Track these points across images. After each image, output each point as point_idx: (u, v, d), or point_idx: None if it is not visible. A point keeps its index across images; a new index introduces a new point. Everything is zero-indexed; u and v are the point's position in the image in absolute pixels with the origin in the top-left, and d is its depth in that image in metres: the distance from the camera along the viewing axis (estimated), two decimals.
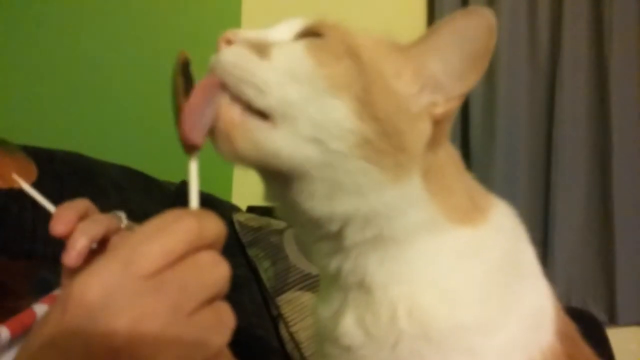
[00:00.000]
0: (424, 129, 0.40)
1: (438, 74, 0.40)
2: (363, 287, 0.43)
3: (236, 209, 1.22)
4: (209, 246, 0.33)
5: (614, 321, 1.68)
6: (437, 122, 0.41)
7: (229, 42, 0.40)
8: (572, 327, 0.46)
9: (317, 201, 0.40)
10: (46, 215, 0.50)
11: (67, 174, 0.85)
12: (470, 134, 1.73)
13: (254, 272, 1.05)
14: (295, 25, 0.43)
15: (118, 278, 0.30)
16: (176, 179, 1.15)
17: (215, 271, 0.33)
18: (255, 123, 0.38)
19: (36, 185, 0.71)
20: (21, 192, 0.50)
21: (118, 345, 0.29)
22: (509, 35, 1.71)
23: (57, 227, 0.45)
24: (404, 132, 0.39)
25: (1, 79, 1.03)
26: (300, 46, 0.40)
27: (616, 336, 1.33)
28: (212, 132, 0.39)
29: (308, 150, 0.38)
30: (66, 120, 1.15)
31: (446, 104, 0.41)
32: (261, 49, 0.40)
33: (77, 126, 1.18)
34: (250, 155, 0.39)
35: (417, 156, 0.40)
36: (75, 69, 1.18)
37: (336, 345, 0.44)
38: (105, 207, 0.89)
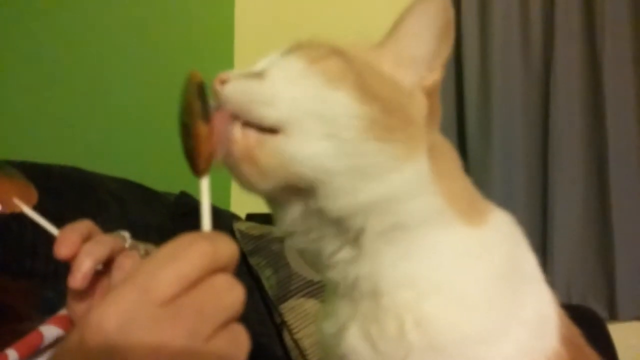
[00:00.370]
0: (421, 100, 0.44)
1: (415, 54, 0.45)
2: (375, 294, 0.42)
3: (236, 217, 1.23)
4: (223, 269, 0.34)
5: (614, 317, 1.68)
6: (429, 94, 0.45)
7: (223, 81, 0.41)
8: (576, 332, 0.46)
9: (343, 197, 0.40)
10: (46, 233, 0.50)
11: (65, 189, 0.84)
12: (466, 136, 1.74)
13: (256, 280, 1.06)
14: (279, 51, 0.45)
15: (135, 306, 0.31)
16: (174, 189, 1.15)
17: (231, 294, 0.33)
18: (272, 139, 0.40)
19: (36, 206, 0.71)
20: (22, 214, 0.50)
21: None
22: (502, 36, 1.71)
23: (62, 250, 0.45)
24: (405, 105, 0.43)
25: None
26: (290, 56, 0.43)
27: (617, 331, 1.33)
28: (227, 162, 0.41)
29: (325, 147, 0.39)
30: (61, 133, 1.15)
31: (431, 75, 0.45)
32: (257, 75, 0.42)
33: (72, 139, 1.18)
34: (275, 170, 0.40)
35: (422, 127, 0.43)
36: (71, 82, 1.18)
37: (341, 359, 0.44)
38: (106, 220, 0.89)
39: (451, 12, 0.44)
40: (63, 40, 1.16)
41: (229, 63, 1.78)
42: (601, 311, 1.68)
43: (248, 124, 0.40)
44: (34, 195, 0.74)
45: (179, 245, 0.33)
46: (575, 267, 1.71)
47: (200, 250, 0.33)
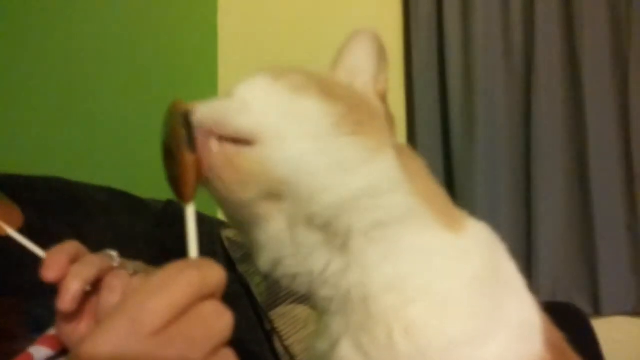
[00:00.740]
0: (377, 102, 0.49)
1: (361, 74, 0.50)
2: (365, 301, 0.43)
3: (224, 224, 1.22)
4: (210, 296, 0.35)
5: (598, 312, 1.72)
6: (381, 98, 0.49)
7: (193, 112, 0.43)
8: (559, 336, 0.47)
9: (326, 195, 0.41)
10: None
11: (50, 201, 0.83)
12: (450, 136, 1.76)
13: (245, 288, 1.05)
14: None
15: (127, 336, 0.31)
16: (160, 197, 1.15)
17: (220, 321, 0.35)
18: (249, 149, 0.41)
19: (22, 225, 0.69)
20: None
21: None
22: (483, 39, 1.73)
23: (49, 274, 0.45)
24: (367, 102, 0.47)
25: None
26: (255, 74, 0.45)
27: (601, 327, 1.36)
28: (207, 177, 0.41)
29: (302, 148, 0.41)
30: (44, 143, 1.14)
31: (379, 85, 0.50)
32: (224, 98, 0.44)
33: (55, 148, 1.16)
34: (257, 175, 0.40)
35: (385, 123, 0.47)
36: (54, 91, 1.17)
37: None
38: (92, 231, 0.88)
39: (380, 40, 0.50)
40: (44, 47, 1.15)
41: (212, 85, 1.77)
42: (585, 307, 1.71)
43: (223, 139, 0.41)
44: (19, 216, 0.73)
45: (168, 274, 0.34)
46: (559, 265, 1.74)
47: (188, 279, 0.34)
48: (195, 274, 0.34)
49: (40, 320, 0.55)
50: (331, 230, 0.42)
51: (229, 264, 1.07)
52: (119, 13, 1.38)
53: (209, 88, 1.75)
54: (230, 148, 0.41)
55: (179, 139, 0.39)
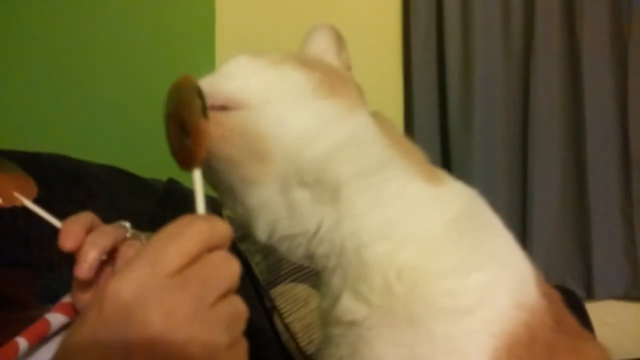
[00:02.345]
0: (345, 71, 0.53)
1: (322, 50, 0.55)
2: (358, 251, 0.45)
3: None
4: (219, 246, 0.38)
5: (591, 296, 1.74)
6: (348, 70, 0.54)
7: None
8: (556, 294, 0.48)
9: (310, 148, 0.45)
10: (39, 222, 0.50)
11: (54, 178, 0.84)
12: (448, 120, 1.76)
13: (246, 266, 1.06)
14: None
15: (147, 277, 0.34)
16: (160, 176, 1.15)
17: (228, 267, 0.38)
18: (237, 112, 0.45)
19: (36, 199, 0.70)
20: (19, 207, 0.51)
21: (155, 335, 0.33)
22: (482, 26, 1.73)
23: (67, 243, 0.46)
24: (338, 71, 0.52)
25: None
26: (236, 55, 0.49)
27: (594, 310, 1.38)
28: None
29: (285, 107, 0.45)
30: (46, 121, 1.14)
31: (340, 60, 0.55)
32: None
33: (58, 127, 1.17)
34: (243, 133, 0.44)
35: (356, 86, 0.51)
36: (57, 71, 1.16)
37: (339, 324, 0.46)
38: (95, 209, 0.88)
39: (336, 29, 0.55)
40: (45, 27, 1.15)
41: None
42: (578, 291, 1.74)
43: (214, 108, 0.44)
44: (34, 189, 0.73)
45: (180, 225, 0.37)
46: (553, 249, 1.76)
47: (198, 229, 0.37)
48: (204, 225, 0.37)
49: (49, 292, 0.56)
50: (320, 185, 0.45)
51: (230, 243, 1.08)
52: None
53: (207, 69, 1.75)
54: (218, 113, 0.44)
55: (194, 108, 0.41)
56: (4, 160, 0.72)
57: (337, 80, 0.49)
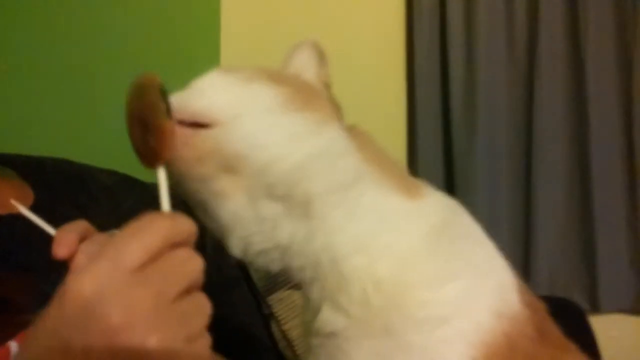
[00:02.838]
0: (321, 87, 0.53)
1: (303, 68, 0.54)
2: (335, 263, 0.46)
3: None
4: (182, 243, 0.38)
5: (596, 309, 1.72)
6: (326, 87, 0.54)
7: None
8: (540, 304, 0.48)
9: (279, 163, 0.45)
10: (38, 227, 0.51)
11: (58, 182, 0.85)
12: (451, 129, 1.76)
13: (244, 272, 1.07)
14: None
15: (108, 274, 0.35)
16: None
17: (191, 263, 0.38)
18: (207, 131, 0.45)
19: (33, 204, 0.71)
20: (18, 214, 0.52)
21: (114, 331, 0.34)
22: (486, 31, 1.73)
23: (60, 250, 0.47)
24: (311, 86, 0.52)
25: None
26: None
27: (599, 323, 1.37)
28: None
29: (254, 123, 0.45)
30: (49, 126, 1.15)
31: (320, 77, 0.54)
32: None
33: (60, 131, 1.18)
34: (212, 151, 0.44)
35: (329, 102, 0.51)
36: (58, 75, 1.18)
37: (319, 335, 0.47)
38: (98, 213, 0.90)
39: (319, 45, 0.55)
40: (46, 31, 1.16)
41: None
42: (583, 303, 1.71)
43: (183, 124, 0.44)
44: (30, 196, 0.75)
45: (143, 221, 0.38)
46: (558, 260, 1.74)
47: (161, 225, 0.38)
48: (167, 221, 0.38)
49: (48, 297, 0.57)
50: (291, 199, 0.46)
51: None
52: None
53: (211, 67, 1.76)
54: (187, 130, 0.44)
55: (158, 109, 0.42)
56: (2, 167, 0.74)
57: (308, 94, 0.49)
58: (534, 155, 1.74)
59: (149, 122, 0.42)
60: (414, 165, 1.76)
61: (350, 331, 0.44)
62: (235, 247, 0.47)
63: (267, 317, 1.01)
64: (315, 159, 0.46)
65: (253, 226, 0.46)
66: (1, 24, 1.05)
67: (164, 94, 0.42)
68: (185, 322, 0.37)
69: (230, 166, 0.44)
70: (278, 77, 0.49)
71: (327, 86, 0.54)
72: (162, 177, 0.43)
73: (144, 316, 0.35)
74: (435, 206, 0.49)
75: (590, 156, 1.72)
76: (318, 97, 0.50)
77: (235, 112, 0.45)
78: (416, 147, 1.75)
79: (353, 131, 0.51)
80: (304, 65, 0.54)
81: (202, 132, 0.44)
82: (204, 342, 0.39)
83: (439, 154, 1.76)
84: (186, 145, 0.44)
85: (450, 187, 1.76)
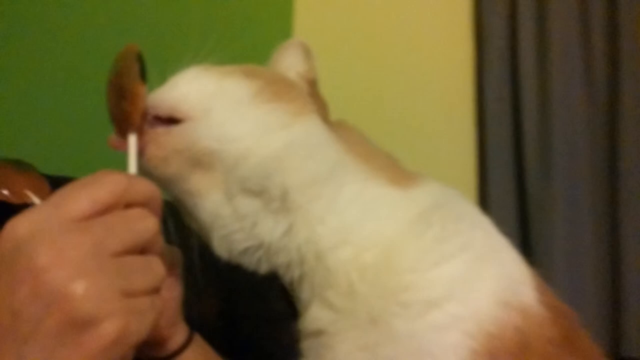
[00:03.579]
0: (302, 83, 0.52)
1: (289, 65, 0.54)
2: (319, 258, 0.44)
3: None
4: (139, 204, 0.37)
5: None
6: (311, 84, 0.52)
7: None
8: (570, 312, 0.42)
9: (249, 157, 0.44)
10: None
11: None
12: (525, 174, 1.66)
13: (292, 308, 1.04)
14: None
15: (46, 217, 0.35)
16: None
17: (143, 222, 0.37)
18: (178, 126, 0.45)
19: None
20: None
21: (39, 270, 0.33)
22: (561, 70, 1.65)
23: None
24: (287, 79, 0.51)
25: None
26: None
27: None
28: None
29: (226, 117, 0.45)
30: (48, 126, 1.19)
31: (306, 73, 0.53)
32: None
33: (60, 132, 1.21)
34: (180, 150, 0.44)
35: (306, 95, 0.50)
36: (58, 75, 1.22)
37: (309, 337, 0.44)
38: None
39: (305, 44, 0.55)
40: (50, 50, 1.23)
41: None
42: None
43: (157, 120, 0.45)
44: (46, 187, 0.79)
45: (96, 175, 0.37)
46: None
47: (114, 180, 0.37)
48: (121, 179, 0.37)
49: None
50: (267, 193, 0.44)
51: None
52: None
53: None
54: (159, 128, 0.45)
55: (131, 72, 0.43)
56: (21, 161, 0.78)
57: (282, 87, 0.49)
58: (620, 204, 1.59)
59: (122, 87, 0.43)
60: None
61: (337, 325, 0.42)
62: (219, 248, 0.47)
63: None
64: (289, 151, 0.44)
65: (233, 224, 0.45)
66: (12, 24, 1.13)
67: (140, 59, 0.43)
68: (124, 276, 0.35)
69: (202, 162, 0.44)
70: (252, 71, 0.49)
71: (313, 82, 0.53)
72: (132, 144, 0.43)
73: (73, 261, 0.34)
74: (428, 192, 0.46)
75: None
76: (293, 90, 0.49)
77: (206, 105, 0.45)
78: (488, 196, 1.67)
79: (337, 125, 0.50)
80: (289, 63, 0.54)
81: (172, 130, 0.44)
82: (146, 302, 0.37)
83: (511, 202, 1.66)
84: (154, 144, 0.44)
85: (525, 239, 1.64)
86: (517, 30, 1.68)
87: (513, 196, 1.67)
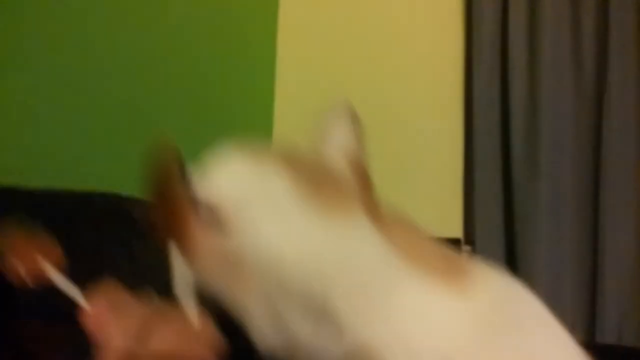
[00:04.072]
0: (347, 166, 0.49)
1: (338, 144, 0.51)
2: None
3: None
4: None
5: None
6: (355, 167, 0.49)
7: None
8: None
9: (292, 260, 0.42)
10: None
11: (106, 219, 0.86)
12: (511, 166, 1.69)
13: None
14: None
15: None
16: None
17: None
18: (223, 238, 0.43)
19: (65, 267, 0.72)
20: None
21: None
22: (551, 61, 1.66)
23: (90, 323, 0.49)
24: (329, 167, 0.48)
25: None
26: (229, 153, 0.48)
27: None
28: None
29: (269, 230, 0.42)
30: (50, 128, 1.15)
31: (355, 153, 0.50)
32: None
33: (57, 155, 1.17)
34: (221, 262, 0.43)
35: (352, 186, 0.47)
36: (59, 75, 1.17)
37: None
38: (141, 249, 0.88)
39: (354, 111, 0.52)
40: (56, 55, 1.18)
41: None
42: None
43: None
44: (60, 256, 0.76)
45: None
46: (627, 306, 1.63)
47: None
48: None
49: (85, 348, 0.55)
50: (308, 299, 0.42)
51: None
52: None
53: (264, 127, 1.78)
54: (209, 235, 0.43)
55: (174, 178, 0.43)
56: (26, 222, 0.75)
57: (324, 179, 0.46)
58: (602, 194, 1.63)
59: (166, 195, 0.43)
60: (471, 210, 1.70)
61: None
62: (256, 339, 0.45)
63: None
64: (330, 257, 0.42)
65: (270, 323, 0.44)
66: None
67: (183, 174, 0.43)
68: None
69: (239, 270, 0.43)
70: (294, 159, 0.47)
71: (362, 163, 0.50)
72: (176, 259, 0.43)
73: None
74: (485, 292, 0.44)
75: None
76: (336, 183, 0.47)
77: (242, 204, 0.43)
78: (473, 187, 1.69)
79: (388, 218, 0.47)
80: (337, 142, 0.51)
81: (209, 237, 0.43)
82: None
83: (497, 195, 1.69)
84: (194, 254, 0.43)
85: (510, 231, 1.68)
86: (507, 19, 1.67)
87: (499, 182, 1.70)
